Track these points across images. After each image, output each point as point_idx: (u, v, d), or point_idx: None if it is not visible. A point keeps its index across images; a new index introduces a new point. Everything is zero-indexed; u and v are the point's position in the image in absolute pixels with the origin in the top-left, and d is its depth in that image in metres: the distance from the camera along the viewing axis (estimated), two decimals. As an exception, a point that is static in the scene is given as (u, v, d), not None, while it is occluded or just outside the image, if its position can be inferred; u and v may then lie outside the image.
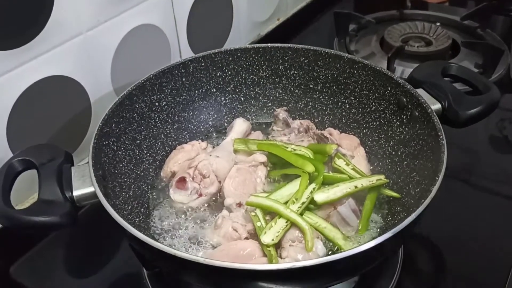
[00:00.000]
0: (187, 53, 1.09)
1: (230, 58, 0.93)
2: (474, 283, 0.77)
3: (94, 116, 0.93)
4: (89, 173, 0.66)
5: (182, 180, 0.79)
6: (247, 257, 0.68)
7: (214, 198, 0.81)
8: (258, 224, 0.71)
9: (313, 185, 0.75)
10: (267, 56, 0.94)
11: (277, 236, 0.69)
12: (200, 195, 0.79)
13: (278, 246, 0.70)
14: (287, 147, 0.83)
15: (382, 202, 0.79)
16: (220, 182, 0.81)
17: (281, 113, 0.92)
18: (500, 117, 1.08)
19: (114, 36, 0.91)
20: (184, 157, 0.85)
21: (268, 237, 0.68)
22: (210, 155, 0.83)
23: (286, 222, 0.70)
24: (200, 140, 0.89)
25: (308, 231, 0.68)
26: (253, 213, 0.73)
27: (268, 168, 0.85)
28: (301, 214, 0.72)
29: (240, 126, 0.91)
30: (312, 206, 0.75)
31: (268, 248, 0.68)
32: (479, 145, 1.03)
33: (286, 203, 0.73)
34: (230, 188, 0.80)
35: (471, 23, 1.35)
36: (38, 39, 0.78)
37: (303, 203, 0.73)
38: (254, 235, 0.72)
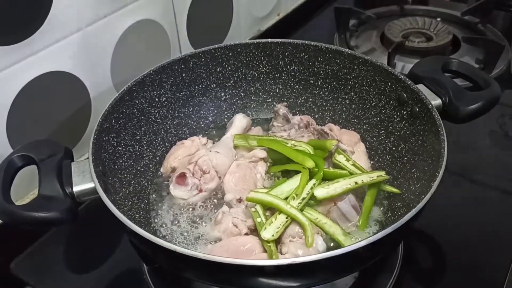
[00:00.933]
0: (187, 49, 1.09)
1: (230, 54, 0.93)
2: (474, 279, 0.77)
3: (94, 111, 0.93)
4: (89, 168, 0.66)
5: (182, 175, 0.79)
6: (247, 253, 0.68)
7: (214, 194, 0.81)
8: (258, 219, 0.71)
9: (313, 181, 0.75)
10: (267, 51, 0.93)
11: (277, 232, 0.69)
12: (200, 190, 0.79)
13: (278, 241, 0.70)
14: (287, 143, 0.83)
15: (382, 198, 0.79)
16: (220, 177, 0.81)
17: (281, 108, 0.92)
18: (501, 113, 1.08)
19: (114, 31, 0.91)
20: (184, 152, 0.85)
21: (268, 233, 0.68)
22: (210, 151, 0.83)
23: (286, 218, 0.70)
24: (200, 136, 0.89)
25: (308, 226, 0.68)
26: (253, 209, 0.73)
27: (268, 164, 0.85)
28: (301, 210, 0.72)
29: (240, 121, 0.91)
30: (312, 202, 0.75)
31: (268, 244, 0.68)
32: (480, 140, 1.03)
33: (286, 199, 0.73)
34: (230, 183, 0.80)
35: (471, 18, 1.35)
36: (38, 35, 0.78)
37: (303, 198, 0.73)
38: (254, 230, 0.72)
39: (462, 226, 0.84)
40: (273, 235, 0.68)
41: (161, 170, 0.86)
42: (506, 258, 0.78)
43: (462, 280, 0.77)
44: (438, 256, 0.81)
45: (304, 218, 0.70)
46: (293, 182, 0.76)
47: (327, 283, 0.73)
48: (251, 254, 0.68)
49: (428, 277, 0.78)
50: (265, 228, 0.69)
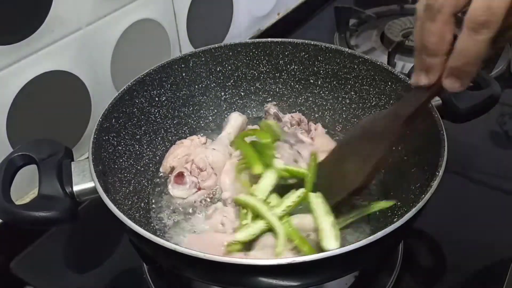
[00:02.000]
0: (187, 48, 1.09)
1: (230, 53, 0.92)
2: (473, 278, 0.77)
3: (94, 111, 0.93)
4: (89, 168, 0.66)
5: (180, 175, 0.79)
6: (216, 246, 0.66)
7: (212, 191, 0.81)
8: (244, 222, 0.70)
9: (301, 190, 0.72)
10: (267, 51, 0.93)
11: (251, 235, 0.67)
12: (199, 188, 0.79)
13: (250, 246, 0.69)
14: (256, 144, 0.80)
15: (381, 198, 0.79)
16: (216, 174, 0.81)
17: (271, 108, 0.92)
18: (501, 112, 1.08)
19: (114, 30, 0.91)
20: (183, 152, 0.85)
21: (242, 234, 0.67)
22: (207, 148, 0.83)
23: (266, 225, 0.68)
24: (199, 135, 0.89)
25: (281, 236, 0.66)
26: (244, 210, 0.71)
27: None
28: (289, 214, 0.70)
29: (235, 120, 0.90)
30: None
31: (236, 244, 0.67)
32: (480, 140, 1.03)
33: (266, 198, 0.71)
34: (227, 182, 0.80)
35: (472, 17, 1.34)
36: (37, 34, 0.78)
37: (288, 206, 0.70)
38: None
39: (462, 226, 0.84)
40: (245, 238, 0.67)
41: (161, 169, 0.86)
42: (506, 258, 0.78)
43: (462, 280, 0.77)
44: (438, 256, 0.81)
45: (280, 227, 0.67)
46: (269, 178, 0.73)
47: (327, 283, 0.73)
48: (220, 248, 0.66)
49: (428, 277, 0.78)
50: (242, 230, 0.68)
